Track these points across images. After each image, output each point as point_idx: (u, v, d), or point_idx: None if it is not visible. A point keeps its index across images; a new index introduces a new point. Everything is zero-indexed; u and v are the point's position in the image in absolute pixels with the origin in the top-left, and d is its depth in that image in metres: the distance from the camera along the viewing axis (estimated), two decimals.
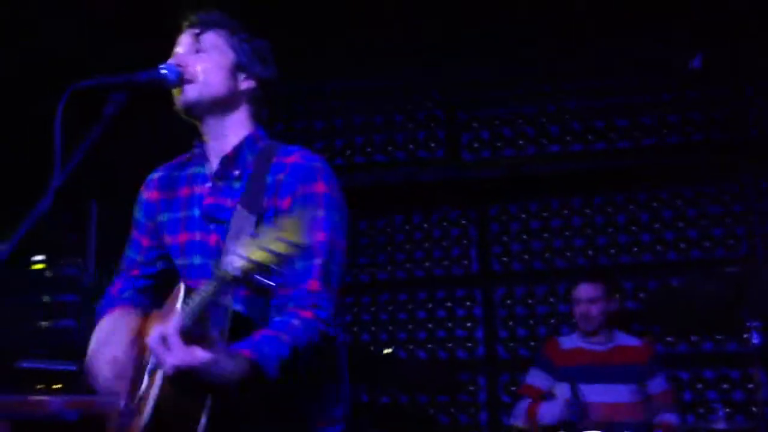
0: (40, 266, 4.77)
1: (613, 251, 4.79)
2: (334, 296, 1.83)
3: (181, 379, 1.59)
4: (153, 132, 4.52)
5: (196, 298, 1.59)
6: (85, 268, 4.45)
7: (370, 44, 4.41)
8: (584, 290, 3.96)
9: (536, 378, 4.00)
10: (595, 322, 3.92)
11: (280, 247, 1.44)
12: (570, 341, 4.04)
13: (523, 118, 4.85)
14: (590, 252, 4.82)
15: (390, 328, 5.01)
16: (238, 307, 1.81)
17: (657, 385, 3.85)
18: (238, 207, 1.86)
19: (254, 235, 1.48)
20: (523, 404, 3.93)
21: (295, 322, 1.76)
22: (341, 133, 5.00)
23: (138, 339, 1.90)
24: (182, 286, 1.75)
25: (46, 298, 4.64)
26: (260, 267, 1.47)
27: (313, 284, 1.80)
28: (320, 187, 1.87)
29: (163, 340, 1.57)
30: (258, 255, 1.46)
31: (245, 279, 1.50)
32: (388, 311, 5.03)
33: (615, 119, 4.73)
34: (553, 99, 4.81)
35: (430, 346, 4.93)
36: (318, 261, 1.81)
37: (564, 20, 4.29)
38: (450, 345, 4.91)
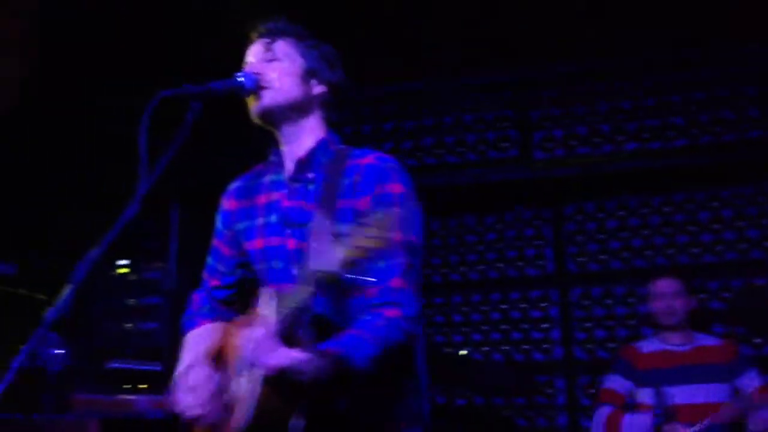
0: (124, 270, 4.96)
1: (695, 250, 4.64)
2: (417, 294, 1.86)
3: (279, 380, 1.66)
4: (231, 137, 4.63)
5: (290, 301, 1.65)
6: (167, 271, 4.59)
7: (438, 45, 4.41)
8: (666, 284, 3.88)
9: (615, 383, 3.88)
10: (679, 315, 3.83)
11: (367, 243, 1.48)
12: (649, 345, 3.93)
13: (597, 115, 4.75)
14: (670, 251, 4.68)
15: (464, 329, 4.98)
16: (320, 310, 1.84)
17: (749, 381, 3.71)
18: (316, 210, 1.90)
19: (340, 235, 1.52)
20: (604, 412, 3.81)
21: (380, 321, 1.79)
22: (411, 135, 5.01)
23: (223, 345, 1.96)
24: (269, 291, 1.80)
25: (131, 301, 4.82)
26: (351, 264, 1.51)
27: (397, 282, 1.83)
28: (397, 188, 1.90)
29: (262, 342, 1.64)
30: (347, 253, 1.50)
31: (337, 278, 1.54)
32: (462, 312, 5.01)
33: (695, 114, 4.57)
34: (629, 95, 4.69)
35: (505, 347, 4.89)
36: (399, 260, 1.84)
37: (637, 13, 4.19)
38: (526, 347, 4.85)
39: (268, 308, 1.76)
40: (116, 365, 4.04)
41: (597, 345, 4.73)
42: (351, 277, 1.62)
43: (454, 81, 4.89)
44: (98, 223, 1.81)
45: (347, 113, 2.18)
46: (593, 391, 4.46)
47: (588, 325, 4.77)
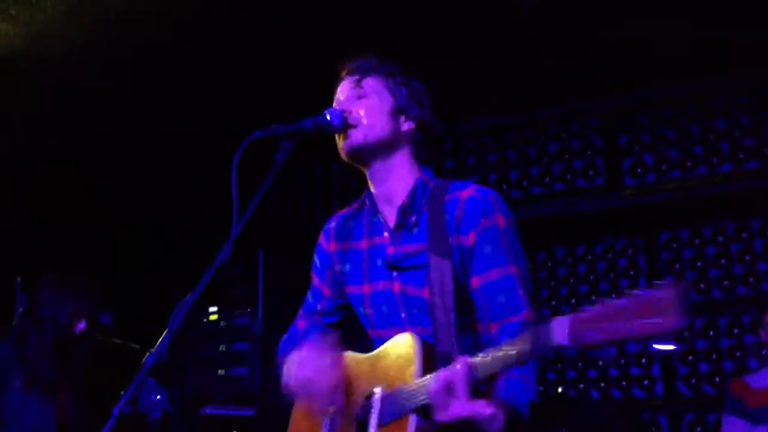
0: (214, 317, 5.04)
1: None
2: None
3: (453, 429, 1.61)
4: (313, 182, 4.70)
5: (495, 354, 1.59)
6: (255, 317, 4.63)
7: (518, 75, 4.36)
8: None
9: (732, 426, 3.66)
10: None
11: (641, 329, 1.32)
12: (761, 379, 3.69)
13: (689, 137, 4.55)
14: None
15: (559, 366, 4.81)
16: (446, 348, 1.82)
17: None
18: (429, 253, 1.88)
19: (590, 309, 1.41)
20: None
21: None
22: (494, 168, 4.93)
23: (341, 381, 1.90)
24: (415, 338, 1.77)
25: (222, 348, 4.88)
26: (597, 345, 1.39)
27: (529, 314, 1.82)
28: (501, 220, 1.89)
29: (450, 388, 1.59)
30: (602, 331, 1.37)
31: (568, 351, 1.46)
32: None
33: None
34: (723, 114, 4.49)
35: (602, 384, 4.68)
36: (522, 291, 1.83)
37: (725, 36, 4.03)
38: (624, 383, 4.63)
39: (417, 356, 1.73)
40: (210, 411, 4.07)
41: (702, 380, 4.47)
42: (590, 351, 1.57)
43: (539, 111, 4.81)
44: (192, 270, 1.82)
45: (436, 149, 2.16)
46: (700, 429, 4.21)
47: (690, 358, 4.53)
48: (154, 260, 5.23)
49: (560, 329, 1.41)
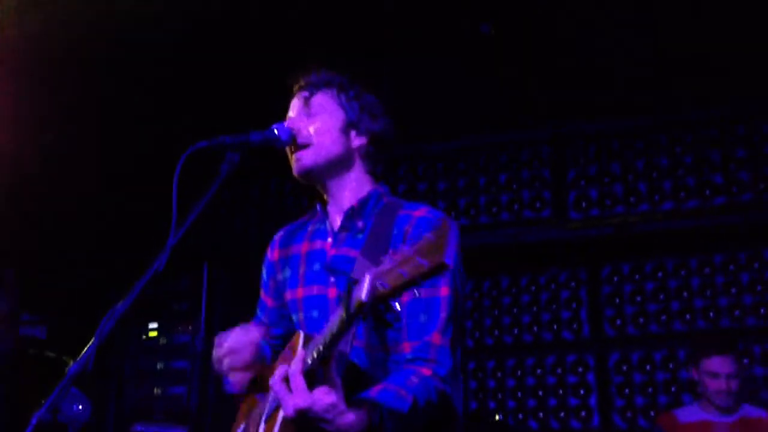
0: (153, 333, 4.93)
1: (737, 313, 4.48)
2: (454, 353, 1.79)
3: (301, 423, 1.56)
4: (261, 195, 4.65)
5: (322, 336, 1.56)
6: (197, 334, 4.55)
7: (471, 103, 4.42)
8: (723, 364, 3.66)
9: None
10: (734, 397, 3.63)
11: (416, 269, 1.36)
12: (690, 414, 3.76)
13: (633, 173, 4.67)
14: (711, 314, 4.53)
15: (498, 395, 4.84)
16: (356, 360, 1.78)
17: None
18: (359, 257, 1.85)
19: (384, 261, 1.42)
20: None
21: (414, 378, 1.71)
22: (444, 195, 4.97)
23: (256, 389, 1.90)
24: (301, 333, 1.74)
25: (159, 365, 4.77)
26: (393, 292, 1.39)
27: (436, 337, 1.77)
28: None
29: (287, 380, 1.56)
30: (391, 278, 1.38)
31: (373, 306, 1.43)
32: (496, 378, 4.86)
33: (736, 172, 4.46)
34: (666, 152, 4.61)
35: (540, 414, 4.72)
36: (443, 315, 1.79)
37: (673, 72, 4.16)
38: (562, 414, 4.68)
39: (299, 348, 1.68)
40: (140, 428, 3.96)
41: (638, 412, 4.55)
42: (387, 307, 1.54)
43: (489, 138, 4.87)
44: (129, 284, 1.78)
45: (390, 163, 2.15)
46: None
47: (627, 391, 4.60)
48: (95, 272, 5.09)
49: (362, 288, 1.41)
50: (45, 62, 3.90)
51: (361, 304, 1.43)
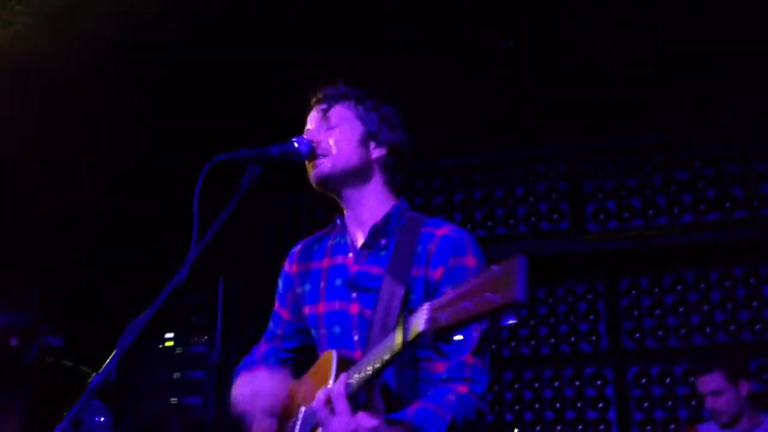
0: (170, 343, 4.94)
1: (758, 327, 4.43)
2: (487, 370, 1.80)
3: None
4: (277, 209, 4.66)
5: (368, 361, 1.56)
6: (213, 345, 4.55)
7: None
8: (706, 383, 3.63)
9: None
10: (727, 414, 3.56)
11: (487, 305, 1.30)
12: (712, 428, 3.71)
13: (652, 187, 4.63)
14: (732, 327, 4.47)
15: (516, 407, 4.80)
16: (387, 379, 1.78)
17: None
18: (386, 276, 1.84)
19: (446, 292, 1.39)
20: None
21: (451, 396, 1.71)
22: (460, 208, 4.96)
23: (282, 403, 1.90)
24: (334, 354, 1.74)
25: (176, 375, 4.78)
26: (457, 326, 1.34)
27: (470, 357, 1.77)
28: (471, 261, 1.87)
29: (329, 403, 1.56)
30: (455, 311, 1.33)
31: (434, 338, 1.40)
32: (513, 390, 4.83)
33: (756, 185, 4.42)
34: (686, 165, 4.58)
35: (558, 428, 4.68)
36: (476, 333, 1.76)
37: (692, 85, 4.13)
38: (580, 427, 4.63)
39: (333, 369, 1.69)
40: None
41: (657, 426, 4.49)
42: (437, 344, 1.52)
43: (506, 153, 4.86)
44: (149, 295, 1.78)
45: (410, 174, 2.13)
46: None
47: (646, 405, 4.55)
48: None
49: (420, 318, 1.38)
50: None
51: (419, 335, 1.41)
